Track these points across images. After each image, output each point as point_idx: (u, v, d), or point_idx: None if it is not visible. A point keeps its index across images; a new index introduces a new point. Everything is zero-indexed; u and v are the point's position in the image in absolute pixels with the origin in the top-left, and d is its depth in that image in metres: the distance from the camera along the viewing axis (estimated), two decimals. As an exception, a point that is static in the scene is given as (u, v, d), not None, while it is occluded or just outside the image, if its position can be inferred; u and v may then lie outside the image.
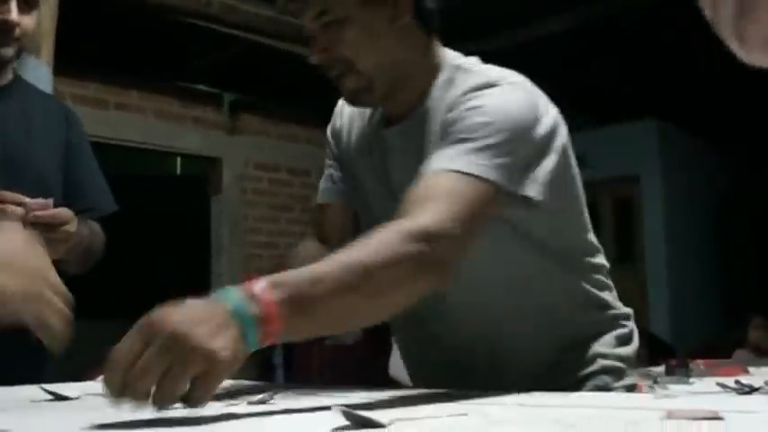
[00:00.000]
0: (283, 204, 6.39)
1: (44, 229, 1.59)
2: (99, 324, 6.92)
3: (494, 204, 1.19)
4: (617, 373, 1.35)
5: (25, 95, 1.87)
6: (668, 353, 5.48)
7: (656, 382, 3.03)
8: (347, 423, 0.80)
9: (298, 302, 0.96)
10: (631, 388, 1.38)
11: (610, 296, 1.41)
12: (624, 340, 1.39)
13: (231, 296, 0.92)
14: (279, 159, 6.38)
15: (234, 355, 0.88)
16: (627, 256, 7.79)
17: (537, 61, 5.64)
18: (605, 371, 1.34)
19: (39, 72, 2.82)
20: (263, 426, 0.89)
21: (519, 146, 1.20)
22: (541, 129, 1.24)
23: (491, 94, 1.23)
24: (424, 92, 1.33)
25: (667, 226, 7.58)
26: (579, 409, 0.94)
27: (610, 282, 1.42)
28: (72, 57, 3.91)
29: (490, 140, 1.18)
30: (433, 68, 1.34)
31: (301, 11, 1.30)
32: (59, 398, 1.21)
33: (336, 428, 0.79)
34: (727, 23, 0.77)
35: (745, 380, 2.62)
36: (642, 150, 7.56)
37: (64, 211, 1.65)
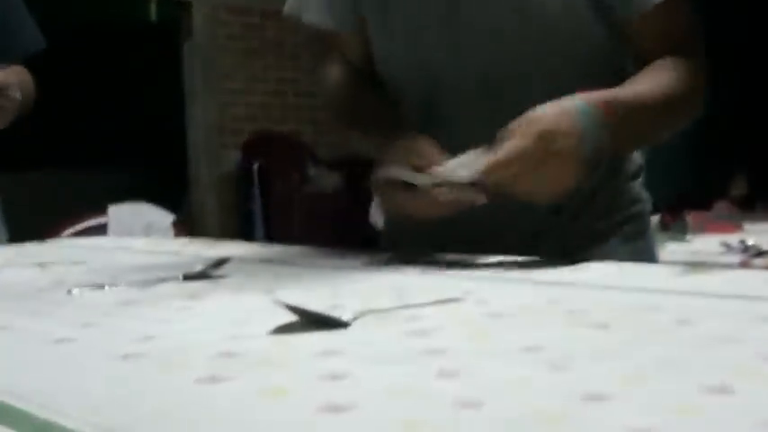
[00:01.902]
0: (257, 49, 6.16)
1: None
2: (71, 173, 6.81)
3: None
4: (645, 222, 1.31)
5: None
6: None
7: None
8: (294, 320, 0.65)
9: (623, 113, 1.04)
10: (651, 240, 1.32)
11: None
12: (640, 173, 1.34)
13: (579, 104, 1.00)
14: (250, 2, 6.10)
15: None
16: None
17: None
18: (635, 216, 1.28)
19: None
20: (190, 321, 0.73)
21: None
22: None
23: None
24: None
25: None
26: (601, 295, 0.77)
27: None
28: None
29: None
30: None
31: None
32: None
33: (277, 328, 0.64)
34: None
35: (750, 240, 2.59)
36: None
37: (8, 77, 1.59)
